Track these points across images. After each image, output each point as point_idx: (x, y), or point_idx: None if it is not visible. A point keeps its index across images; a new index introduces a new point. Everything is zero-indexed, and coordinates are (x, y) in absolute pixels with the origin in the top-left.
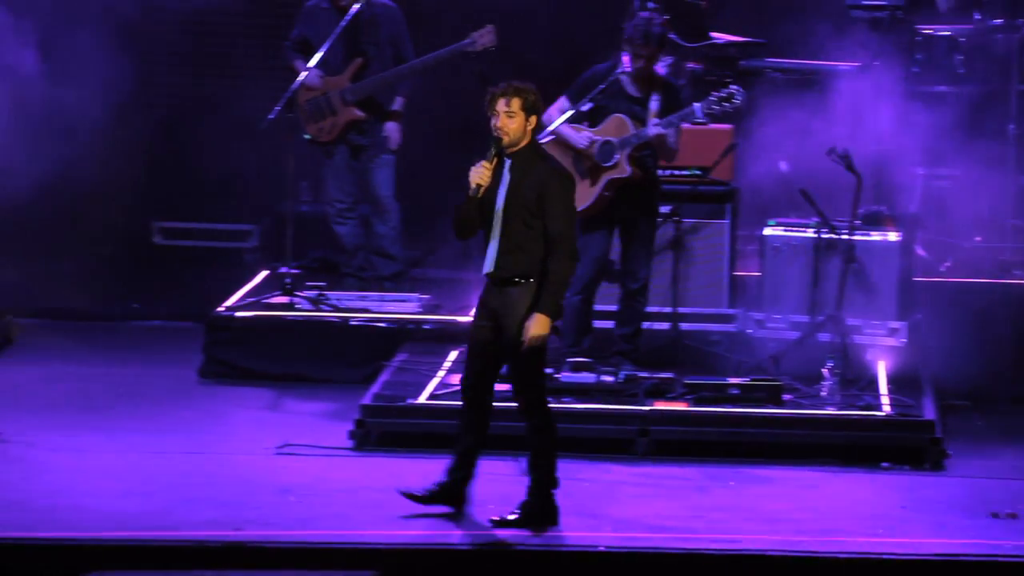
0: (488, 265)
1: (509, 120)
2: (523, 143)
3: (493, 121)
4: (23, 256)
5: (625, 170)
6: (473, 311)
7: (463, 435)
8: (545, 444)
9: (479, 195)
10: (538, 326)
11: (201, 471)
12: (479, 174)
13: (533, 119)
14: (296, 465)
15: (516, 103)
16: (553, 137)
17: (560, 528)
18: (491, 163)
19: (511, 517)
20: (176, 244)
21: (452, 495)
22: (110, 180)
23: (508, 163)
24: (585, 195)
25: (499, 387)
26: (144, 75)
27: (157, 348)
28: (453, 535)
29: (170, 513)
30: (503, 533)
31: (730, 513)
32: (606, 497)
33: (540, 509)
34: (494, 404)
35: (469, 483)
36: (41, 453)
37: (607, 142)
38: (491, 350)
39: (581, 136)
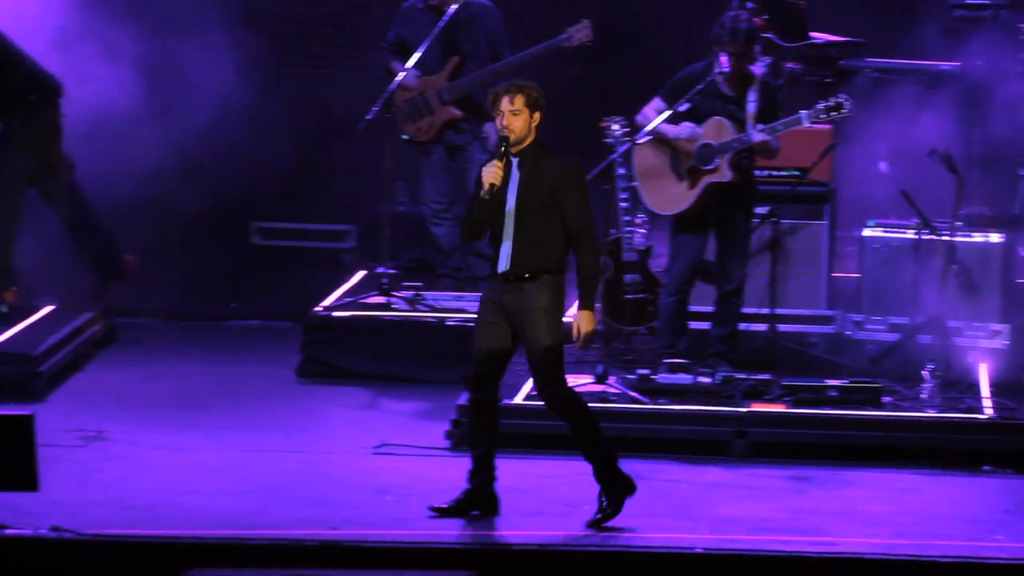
0: (503, 264)
1: (514, 118)
2: (528, 140)
3: (498, 121)
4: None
5: (726, 175)
6: (479, 311)
7: (476, 440)
8: (587, 429)
9: (492, 194)
10: (586, 323)
11: (298, 470)
12: (492, 173)
13: (537, 116)
14: (393, 465)
15: (520, 100)
16: (651, 137)
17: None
18: (502, 162)
19: (600, 517)
20: (274, 244)
21: (480, 500)
22: (209, 180)
23: (515, 161)
24: (684, 198)
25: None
26: (242, 76)
27: (255, 347)
28: (550, 536)
29: (268, 512)
30: (599, 534)
31: (829, 516)
32: (703, 499)
33: (612, 487)
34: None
35: (494, 483)
36: (141, 451)
37: (706, 144)
38: (499, 349)
39: (683, 127)
